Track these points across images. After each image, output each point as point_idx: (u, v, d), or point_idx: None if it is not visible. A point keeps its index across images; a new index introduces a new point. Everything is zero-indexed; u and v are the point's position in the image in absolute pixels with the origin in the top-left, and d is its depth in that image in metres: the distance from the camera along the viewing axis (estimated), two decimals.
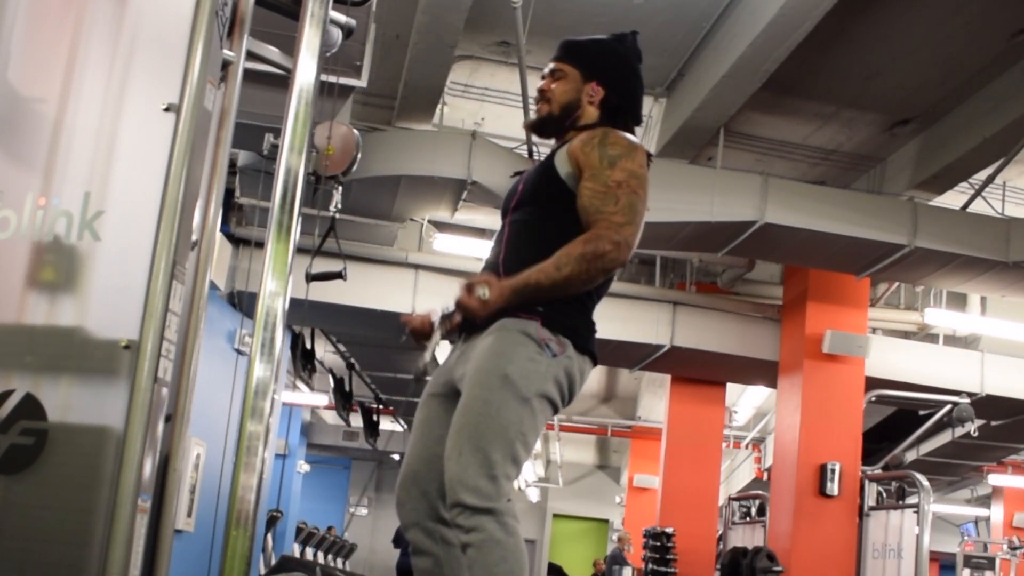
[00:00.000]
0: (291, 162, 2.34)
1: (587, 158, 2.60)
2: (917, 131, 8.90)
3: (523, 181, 2.75)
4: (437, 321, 2.67)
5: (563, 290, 2.51)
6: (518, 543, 2.39)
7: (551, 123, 2.78)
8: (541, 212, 2.63)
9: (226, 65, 2.53)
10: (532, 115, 2.86)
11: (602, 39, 2.85)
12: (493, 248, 2.76)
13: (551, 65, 2.81)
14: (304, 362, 10.70)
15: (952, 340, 12.24)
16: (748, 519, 11.28)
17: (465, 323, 2.65)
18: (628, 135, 2.67)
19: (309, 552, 14.97)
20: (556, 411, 2.58)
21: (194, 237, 2.38)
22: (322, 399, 14.46)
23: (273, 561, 11.32)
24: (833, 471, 9.62)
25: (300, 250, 2.45)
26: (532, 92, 3.54)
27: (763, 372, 11.17)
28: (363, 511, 23.62)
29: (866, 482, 9.69)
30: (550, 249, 2.55)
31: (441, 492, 2.50)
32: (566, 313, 2.56)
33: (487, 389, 2.45)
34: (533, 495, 23.25)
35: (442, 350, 2.76)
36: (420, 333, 2.73)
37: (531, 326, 2.51)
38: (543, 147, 7.22)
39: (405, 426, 15.97)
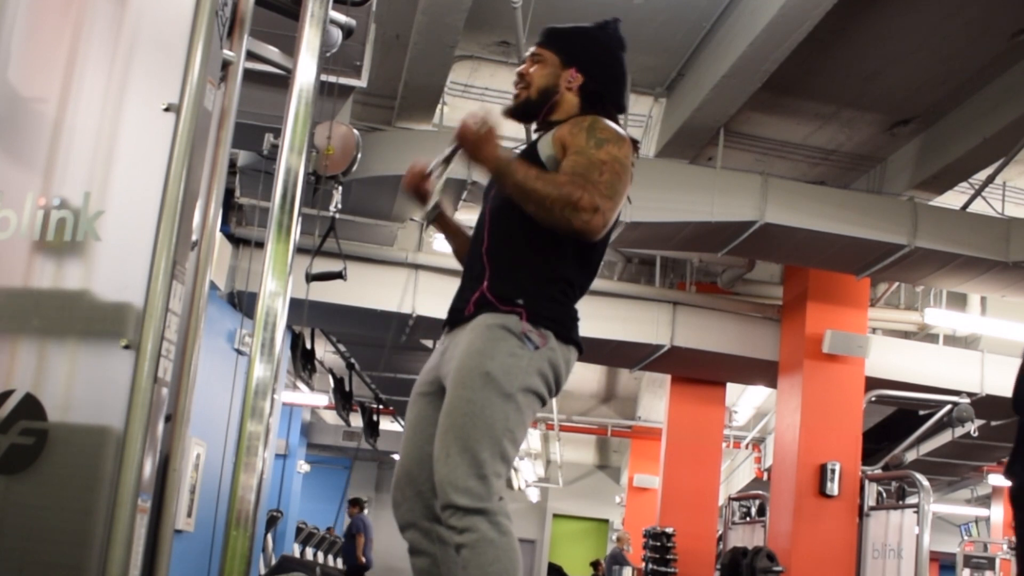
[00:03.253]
0: (291, 162, 2.34)
1: (574, 139, 2.57)
2: (917, 131, 8.89)
3: None
4: (435, 169, 2.77)
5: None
6: (511, 542, 2.38)
7: (529, 107, 2.75)
8: None
9: (226, 65, 2.53)
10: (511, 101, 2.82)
11: (584, 26, 2.82)
12: (474, 235, 2.73)
13: (531, 49, 2.78)
14: (304, 362, 10.71)
15: (952, 340, 12.24)
16: (748, 519, 11.27)
17: (449, 319, 2.66)
18: (616, 126, 2.64)
19: (309, 552, 14.99)
20: (543, 403, 2.56)
21: (194, 237, 2.38)
22: (322, 399, 14.46)
23: (273, 561, 11.33)
24: (833, 471, 9.62)
25: (300, 250, 2.45)
26: None
27: (763, 372, 11.17)
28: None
29: (866, 482, 9.68)
30: (533, 235, 2.54)
31: (436, 491, 2.49)
32: (547, 306, 2.55)
33: (470, 388, 2.43)
34: (533, 495, 23.25)
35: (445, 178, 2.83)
36: (420, 191, 2.81)
37: (511, 320, 2.50)
38: None
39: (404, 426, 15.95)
